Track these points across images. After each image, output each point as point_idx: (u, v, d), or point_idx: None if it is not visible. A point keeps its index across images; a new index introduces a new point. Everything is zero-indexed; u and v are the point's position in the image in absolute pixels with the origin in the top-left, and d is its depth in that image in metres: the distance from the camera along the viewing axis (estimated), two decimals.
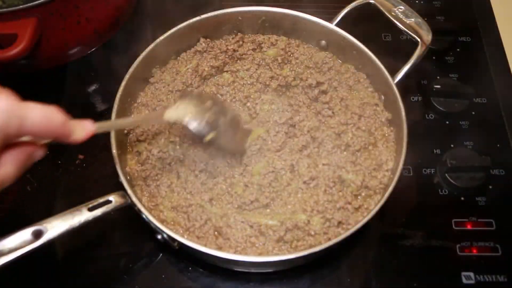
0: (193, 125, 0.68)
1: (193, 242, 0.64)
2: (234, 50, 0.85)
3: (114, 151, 0.69)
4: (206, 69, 0.83)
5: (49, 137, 0.54)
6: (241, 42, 0.86)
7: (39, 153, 0.55)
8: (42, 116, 0.51)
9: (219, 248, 0.67)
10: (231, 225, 0.69)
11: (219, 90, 0.82)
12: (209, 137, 0.69)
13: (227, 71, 0.84)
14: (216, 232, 0.69)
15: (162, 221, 0.69)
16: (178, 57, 0.85)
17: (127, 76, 0.76)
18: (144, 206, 0.66)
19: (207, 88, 0.82)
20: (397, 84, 0.76)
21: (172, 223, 0.70)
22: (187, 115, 0.68)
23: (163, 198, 0.72)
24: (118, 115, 0.73)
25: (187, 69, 0.83)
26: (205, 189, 0.72)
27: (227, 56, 0.85)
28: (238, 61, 0.85)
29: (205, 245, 0.66)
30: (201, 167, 0.74)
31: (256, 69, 0.84)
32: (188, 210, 0.70)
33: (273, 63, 0.84)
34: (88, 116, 0.87)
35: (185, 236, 0.68)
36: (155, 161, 0.74)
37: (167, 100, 0.80)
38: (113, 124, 0.72)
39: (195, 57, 0.84)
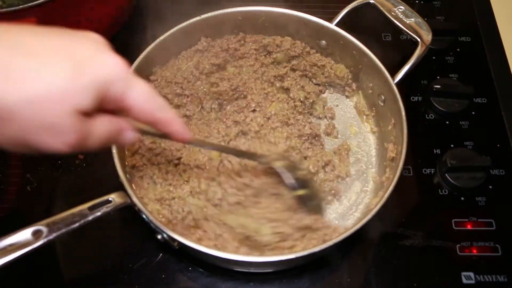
0: (287, 175, 0.71)
1: (192, 242, 0.64)
2: (236, 49, 0.85)
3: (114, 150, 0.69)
4: (207, 66, 0.83)
5: (147, 119, 0.52)
6: (242, 42, 0.86)
7: (130, 135, 0.53)
8: (148, 94, 0.50)
9: (199, 240, 0.68)
10: (208, 217, 0.70)
11: (223, 82, 0.83)
12: (299, 192, 0.72)
13: (231, 66, 0.85)
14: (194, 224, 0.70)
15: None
16: (179, 55, 0.85)
17: None
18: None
19: (211, 79, 0.83)
20: (397, 84, 0.76)
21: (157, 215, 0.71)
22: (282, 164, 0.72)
23: (146, 190, 0.73)
24: None
25: (188, 66, 0.83)
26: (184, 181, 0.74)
27: (228, 54, 0.85)
28: (240, 60, 0.86)
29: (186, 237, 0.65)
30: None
31: (260, 67, 0.85)
32: (171, 202, 0.72)
33: (278, 65, 0.85)
34: None
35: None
36: (145, 151, 0.75)
37: (167, 94, 0.80)
38: (202, 143, 0.73)
39: (196, 55, 0.85)
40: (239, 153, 0.73)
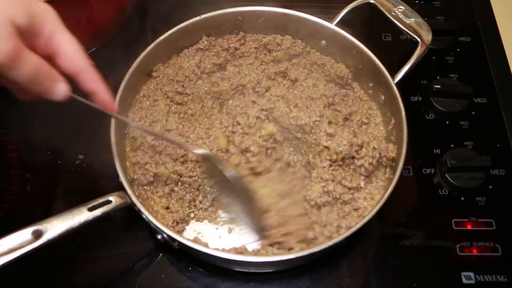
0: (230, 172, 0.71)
1: (192, 242, 0.64)
2: (236, 48, 0.86)
3: (113, 140, 0.70)
4: (208, 66, 0.83)
5: (73, 68, 0.55)
6: (242, 41, 0.86)
7: (62, 88, 0.54)
8: (76, 45, 0.55)
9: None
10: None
11: (223, 81, 0.83)
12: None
13: (231, 66, 0.85)
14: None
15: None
16: (181, 53, 0.85)
17: (127, 76, 0.76)
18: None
19: (212, 79, 0.83)
20: (397, 84, 0.76)
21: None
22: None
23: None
24: (119, 110, 0.73)
25: (190, 64, 0.84)
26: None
27: (228, 53, 0.85)
28: (240, 59, 0.86)
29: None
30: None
31: (260, 64, 0.85)
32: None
33: (279, 63, 0.85)
34: (89, 116, 0.88)
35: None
36: (147, 148, 0.75)
37: (168, 92, 0.81)
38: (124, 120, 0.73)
39: (198, 54, 0.85)
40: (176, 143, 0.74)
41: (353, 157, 0.74)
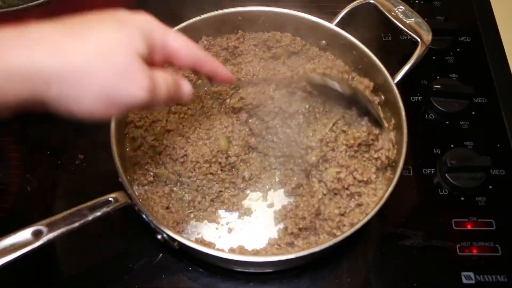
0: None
1: (192, 242, 0.64)
2: (235, 47, 0.86)
3: (113, 140, 0.69)
4: None
5: (192, 59, 0.58)
6: (242, 39, 0.86)
7: (187, 87, 0.57)
8: (183, 37, 0.56)
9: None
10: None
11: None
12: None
13: (229, 65, 0.85)
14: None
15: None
16: None
17: None
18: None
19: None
20: (397, 84, 0.76)
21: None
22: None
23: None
24: None
25: None
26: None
27: (228, 52, 0.85)
28: (238, 57, 0.86)
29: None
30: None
31: (259, 62, 0.85)
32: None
33: (277, 60, 0.85)
34: None
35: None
36: (147, 148, 0.75)
37: None
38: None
39: None
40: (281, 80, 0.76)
41: (369, 146, 0.75)
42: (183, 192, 0.75)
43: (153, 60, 0.54)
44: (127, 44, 0.49)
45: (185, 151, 0.75)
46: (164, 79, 0.53)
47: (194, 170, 0.74)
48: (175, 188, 0.75)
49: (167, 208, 0.74)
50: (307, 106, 0.77)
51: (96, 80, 0.47)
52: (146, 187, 0.74)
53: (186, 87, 0.58)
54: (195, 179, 0.75)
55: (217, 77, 0.63)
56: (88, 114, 0.49)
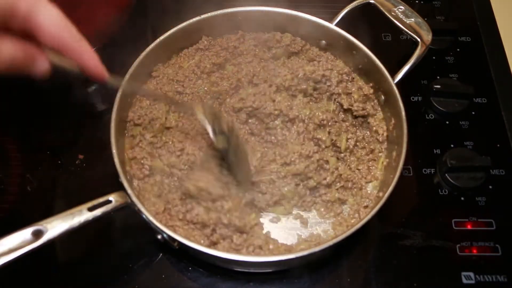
0: (210, 128, 0.70)
1: (193, 242, 0.64)
2: (235, 47, 0.86)
3: (113, 140, 0.70)
4: (208, 65, 0.84)
5: (58, 44, 0.51)
6: (242, 39, 0.86)
7: (42, 64, 0.52)
8: (58, 17, 0.50)
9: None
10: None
11: (223, 81, 0.83)
12: (220, 143, 0.71)
13: (230, 65, 0.85)
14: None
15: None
16: (181, 53, 0.85)
17: (127, 76, 0.76)
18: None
19: (212, 78, 0.83)
20: (397, 84, 0.76)
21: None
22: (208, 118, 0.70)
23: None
24: (119, 111, 0.74)
25: (190, 64, 0.84)
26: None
27: (228, 52, 0.85)
28: (239, 57, 0.86)
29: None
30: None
31: (259, 62, 0.85)
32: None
33: (277, 61, 0.85)
34: (89, 115, 0.88)
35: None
36: (145, 145, 0.75)
37: (168, 91, 0.81)
38: (123, 84, 0.69)
39: (198, 53, 0.85)
40: (173, 101, 0.74)
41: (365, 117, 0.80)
42: (173, 185, 0.75)
43: (8, 27, 0.49)
44: None
45: (183, 145, 0.75)
46: (8, 49, 0.49)
47: (187, 163, 0.74)
48: (166, 180, 0.75)
49: (159, 196, 0.73)
50: (307, 113, 0.78)
51: None
52: (142, 181, 0.74)
53: (41, 64, 0.52)
54: (186, 172, 0.74)
55: (85, 69, 0.56)
56: None
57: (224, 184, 0.71)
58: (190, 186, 0.70)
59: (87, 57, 0.55)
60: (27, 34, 0.51)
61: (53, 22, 0.50)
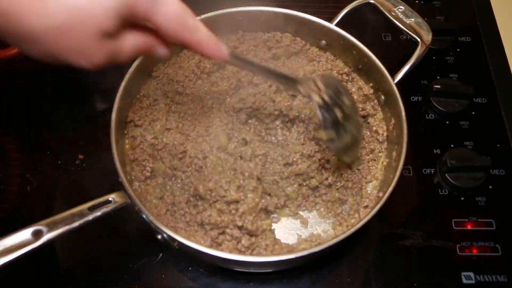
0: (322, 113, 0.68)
1: (193, 242, 0.64)
2: (235, 47, 0.86)
3: (113, 140, 0.70)
4: (208, 65, 0.83)
5: (177, 40, 0.54)
6: (242, 40, 0.86)
7: (162, 51, 0.56)
8: (177, 14, 0.52)
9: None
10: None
11: (223, 81, 0.82)
12: (328, 135, 0.69)
13: (230, 65, 0.85)
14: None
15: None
16: (181, 53, 0.85)
17: (127, 76, 0.76)
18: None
19: (212, 78, 0.83)
20: (397, 84, 0.76)
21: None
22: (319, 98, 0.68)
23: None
24: (119, 111, 0.74)
25: (189, 64, 0.84)
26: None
27: None
28: None
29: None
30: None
31: (259, 62, 0.85)
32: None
33: (277, 61, 0.85)
34: (88, 116, 0.88)
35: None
36: (146, 146, 0.75)
37: (168, 91, 0.81)
38: (245, 63, 0.68)
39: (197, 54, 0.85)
40: (279, 76, 0.70)
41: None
42: (176, 187, 0.74)
43: (133, 23, 0.52)
44: (90, 25, 0.47)
45: (185, 147, 0.75)
46: (130, 45, 0.52)
47: (190, 165, 0.74)
48: (169, 183, 0.74)
49: (161, 198, 0.73)
50: (307, 113, 0.77)
51: (41, 48, 0.47)
52: (143, 183, 0.74)
53: (162, 51, 0.57)
54: (189, 174, 0.74)
55: (206, 56, 0.61)
56: (27, 53, 0.49)
57: (237, 187, 0.70)
58: (200, 187, 0.69)
59: (205, 46, 0.58)
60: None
61: (170, 23, 0.53)
